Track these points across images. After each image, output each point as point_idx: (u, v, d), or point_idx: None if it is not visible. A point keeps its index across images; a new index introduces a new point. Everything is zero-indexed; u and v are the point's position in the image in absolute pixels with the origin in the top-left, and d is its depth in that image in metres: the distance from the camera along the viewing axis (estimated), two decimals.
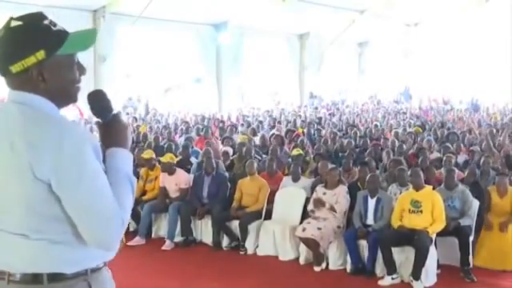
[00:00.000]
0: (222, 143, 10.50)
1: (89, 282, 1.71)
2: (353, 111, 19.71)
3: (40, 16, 1.69)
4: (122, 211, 1.66)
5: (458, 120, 15.47)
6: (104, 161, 1.75)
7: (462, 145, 9.80)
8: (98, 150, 1.67)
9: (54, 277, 1.65)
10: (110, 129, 1.81)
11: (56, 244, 1.64)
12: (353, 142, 10.04)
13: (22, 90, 1.66)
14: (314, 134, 12.08)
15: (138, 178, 7.75)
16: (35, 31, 1.65)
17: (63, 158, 1.56)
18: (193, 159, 9.01)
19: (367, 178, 6.33)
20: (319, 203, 6.23)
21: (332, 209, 6.25)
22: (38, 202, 1.60)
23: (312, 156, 8.72)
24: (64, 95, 1.73)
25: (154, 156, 7.93)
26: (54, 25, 1.69)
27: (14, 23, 1.65)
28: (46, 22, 1.68)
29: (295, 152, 8.41)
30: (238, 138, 10.79)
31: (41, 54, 1.63)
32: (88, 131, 1.75)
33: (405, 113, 17.90)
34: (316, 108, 20.62)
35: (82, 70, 1.76)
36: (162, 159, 7.56)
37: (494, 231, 6.08)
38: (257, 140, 10.98)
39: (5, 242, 1.67)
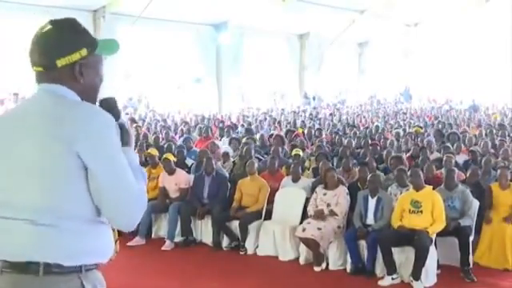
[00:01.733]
0: (229, 144, 10.50)
1: (81, 279, 1.72)
2: (352, 111, 19.73)
3: (76, 20, 1.87)
4: (144, 195, 1.79)
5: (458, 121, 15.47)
6: None
7: (462, 145, 9.79)
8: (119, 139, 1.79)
9: (51, 268, 1.66)
10: (120, 131, 1.89)
11: (62, 231, 1.67)
12: (353, 142, 10.04)
13: (60, 84, 1.79)
14: (315, 134, 12.07)
15: None
16: (78, 31, 1.83)
17: (99, 137, 1.68)
18: (189, 160, 9.01)
19: (368, 177, 6.33)
20: (321, 215, 6.21)
21: (332, 213, 6.25)
22: (68, 176, 1.67)
23: (313, 156, 8.73)
24: (93, 91, 1.88)
25: (156, 154, 7.98)
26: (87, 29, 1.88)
27: (56, 26, 1.81)
28: (82, 26, 1.86)
29: (295, 152, 8.42)
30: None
31: (84, 52, 1.80)
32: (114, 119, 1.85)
33: (405, 113, 17.91)
34: (314, 108, 20.65)
35: (101, 77, 1.93)
36: (164, 156, 7.58)
37: (494, 229, 6.08)
38: (257, 140, 10.96)
39: (5, 230, 1.68)
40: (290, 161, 8.19)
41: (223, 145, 11.02)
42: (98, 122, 1.70)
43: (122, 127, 1.91)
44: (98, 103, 1.92)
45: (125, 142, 1.86)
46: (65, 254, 1.68)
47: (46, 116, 1.71)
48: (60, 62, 1.76)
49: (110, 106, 1.93)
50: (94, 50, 1.83)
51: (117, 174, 1.69)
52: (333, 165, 7.70)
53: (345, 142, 10.01)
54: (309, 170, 8.19)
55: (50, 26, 1.79)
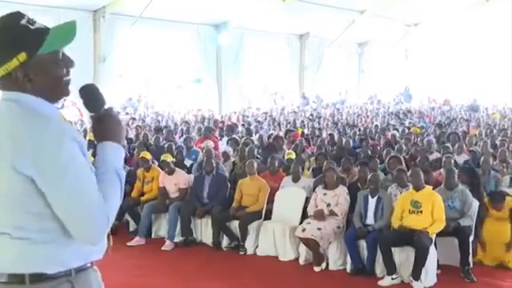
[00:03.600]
0: (227, 143, 10.47)
1: (72, 283, 1.70)
2: (352, 111, 19.73)
3: (17, 16, 1.67)
4: (107, 207, 1.65)
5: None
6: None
7: (464, 145, 9.77)
8: (84, 147, 1.67)
9: (36, 277, 1.65)
10: (103, 123, 1.81)
11: (37, 243, 1.64)
12: (351, 142, 10.04)
13: (11, 90, 1.67)
14: (315, 134, 12.07)
15: (135, 178, 7.78)
16: (13, 33, 1.63)
17: (46, 153, 1.56)
18: (187, 161, 9.00)
19: (369, 176, 6.33)
20: (321, 215, 6.21)
21: (332, 213, 6.25)
22: (22, 197, 1.60)
23: (313, 156, 8.72)
24: (52, 92, 1.72)
25: (150, 157, 7.91)
26: (33, 23, 1.67)
27: None
28: (23, 21, 1.65)
29: (288, 157, 8.35)
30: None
31: (22, 56, 1.62)
32: (74, 128, 1.74)
33: (405, 113, 17.91)
34: (314, 109, 20.65)
35: (69, 63, 1.75)
36: (162, 157, 7.56)
37: (494, 227, 6.08)
38: (255, 140, 10.96)
39: None
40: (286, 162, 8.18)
41: (223, 145, 11.04)
42: (41, 137, 1.56)
43: (106, 116, 1.80)
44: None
45: (103, 136, 1.77)
46: (47, 263, 1.66)
47: None
48: None
49: (88, 94, 1.82)
50: (37, 49, 1.64)
51: (68, 192, 1.59)
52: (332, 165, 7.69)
53: (343, 141, 10.01)
54: (309, 170, 8.18)
55: None
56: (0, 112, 1.66)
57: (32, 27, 1.66)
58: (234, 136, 11.42)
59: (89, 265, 1.77)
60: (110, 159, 1.75)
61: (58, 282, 1.68)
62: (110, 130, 1.80)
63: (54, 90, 1.73)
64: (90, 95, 1.82)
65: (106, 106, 1.84)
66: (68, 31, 1.71)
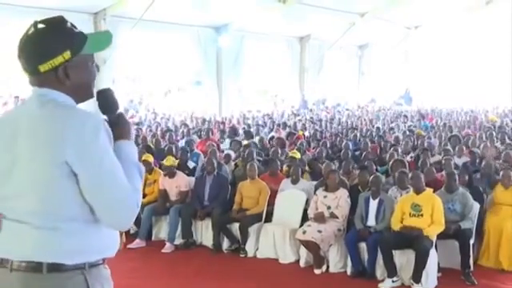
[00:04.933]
0: (230, 145, 10.46)
1: (85, 275, 1.76)
2: (353, 114, 19.74)
3: (63, 19, 1.84)
4: (136, 193, 1.79)
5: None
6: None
7: (463, 147, 9.75)
8: (111, 137, 1.79)
9: (54, 267, 1.72)
10: (116, 125, 1.91)
11: (60, 233, 1.72)
12: (350, 145, 10.03)
13: (48, 87, 1.78)
14: (316, 136, 12.07)
15: None
16: (61, 33, 1.79)
17: (86, 143, 1.68)
18: (190, 163, 9.01)
19: (370, 178, 6.33)
20: (321, 218, 6.21)
21: (333, 215, 6.25)
22: (57, 183, 1.69)
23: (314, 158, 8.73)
24: (84, 91, 1.86)
25: (152, 160, 7.92)
26: (75, 27, 1.84)
27: (39, 26, 1.78)
28: (68, 24, 1.82)
29: (291, 155, 8.36)
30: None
31: (67, 54, 1.76)
32: (103, 120, 1.83)
33: (406, 116, 17.91)
34: (311, 110, 20.66)
35: (97, 67, 1.91)
36: (165, 162, 7.56)
37: (496, 229, 6.08)
38: (256, 142, 10.97)
39: (11, 231, 1.75)
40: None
41: (224, 147, 11.04)
42: (82, 128, 1.69)
43: (118, 120, 1.91)
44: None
45: (119, 135, 1.87)
46: (66, 254, 1.73)
47: (32, 123, 1.73)
48: (43, 68, 1.75)
49: (105, 97, 1.92)
50: (80, 50, 1.79)
51: (104, 178, 1.70)
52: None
53: (343, 144, 10.00)
54: (309, 172, 8.17)
55: (32, 29, 1.78)
56: (35, 106, 1.76)
57: (76, 30, 1.82)
58: (236, 138, 11.43)
59: (101, 262, 1.83)
60: (128, 154, 1.85)
61: (74, 273, 1.75)
62: (124, 130, 1.91)
63: (85, 90, 1.87)
64: (107, 99, 1.93)
65: (119, 111, 1.95)
66: (104, 39, 1.89)
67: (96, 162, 1.69)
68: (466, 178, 6.88)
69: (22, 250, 1.73)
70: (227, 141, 11.68)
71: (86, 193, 1.71)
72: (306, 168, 8.07)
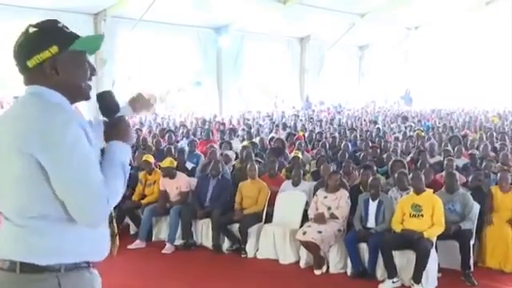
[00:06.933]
0: (220, 147, 10.46)
1: (59, 279, 1.72)
2: (353, 114, 19.74)
3: (55, 20, 1.86)
4: (108, 191, 1.73)
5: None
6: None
7: (463, 149, 9.76)
8: (90, 137, 1.76)
9: (27, 267, 1.70)
10: (115, 127, 1.91)
11: (30, 231, 1.70)
12: (349, 145, 10.03)
13: (37, 84, 1.79)
14: (315, 137, 12.06)
15: (137, 182, 7.78)
16: (50, 30, 1.81)
17: (53, 135, 1.66)
18: (188, 164, 8.99)
19: (369, 180, 6.33)
20: (321, 218, 6.21)
21: (333, 216, 6.25)
22: (27, 180, 1.68)
23: (313, 160, 8.72)
24: (75, 90, 1.84)
25: (152, 160, 7.92)
26: (67, 28, 1.86)
27: (31, 30, 1.80)
28: (59, 25, 1.84)
29: (294, 154, 8.39)
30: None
31: (54, 49, 1.77)
32: (83, 117, 1.83)
33: (406, 116, 17.91)
34: (313, 111, 20.66)
35: (92, 70, 1.89)
36: (163, 164, 7.55)
37: (496, 232, 6.07)
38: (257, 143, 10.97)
39: (4, 229, 1.76)
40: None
41: (235, 145, 11.06)
42: (51, 122, 1.67)
43: (117, 122, 1.91)
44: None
45: (112, 136, 1.87)
46: (38, 253, 1.71)
47: (11, 120, 1.74)
48: (30, 63, 1.77)
49: (105, 100, 1.93)
50: (69, 46, 1.79)
51: (72, 173, 1.67)
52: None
53: (343, 144, 10.00)
54: (309, 173, 8.18)
55: (24, 30, 1.81)
56: (19, 102, 1.79)
57: (67, 30, 1.84)
58: (236, 139, 11.44)
59: (84, 265, 1.79)
60: (116, 153, 1.84)
61: (47, 275, 1.71)
62: (121, 132, 1.90)
63: (76, 89, 1.85)
64: (107, 101, 1.93)
65: (119, 113, 1.94)
66: (95, 42, 1.91)
67: (63, 157, 1.67)
68: (470, 178, 6.88)
69: (3, 247, 1.74)
70: (236, 140, 11.71)
71: (56, 188, 1.69)
72: (310, 167, 8.11)
